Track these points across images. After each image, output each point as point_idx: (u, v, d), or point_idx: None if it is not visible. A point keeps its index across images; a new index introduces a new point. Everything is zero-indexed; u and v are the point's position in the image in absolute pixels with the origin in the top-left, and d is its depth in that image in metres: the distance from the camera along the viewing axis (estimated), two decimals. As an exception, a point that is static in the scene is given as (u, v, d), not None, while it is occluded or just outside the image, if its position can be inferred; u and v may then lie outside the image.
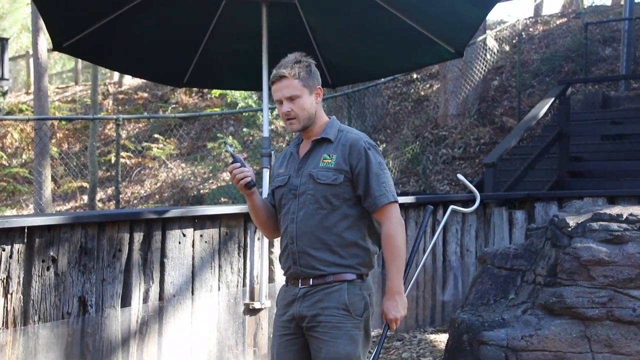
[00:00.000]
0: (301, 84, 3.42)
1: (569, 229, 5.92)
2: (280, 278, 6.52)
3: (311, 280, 3.37)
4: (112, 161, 15.19)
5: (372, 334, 3.52)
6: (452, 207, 4.03)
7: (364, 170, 3.37)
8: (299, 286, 3.41)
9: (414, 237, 5.27)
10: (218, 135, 16.30)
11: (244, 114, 15.81)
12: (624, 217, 5.83)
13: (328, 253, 3.35)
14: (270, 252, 6.48)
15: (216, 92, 17.97)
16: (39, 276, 4.87)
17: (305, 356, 3.41)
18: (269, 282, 6.46)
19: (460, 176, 4.03)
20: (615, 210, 6.02)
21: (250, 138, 15.80)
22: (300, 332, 3.41)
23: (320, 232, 3.35)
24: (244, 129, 15.67)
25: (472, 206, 4.06)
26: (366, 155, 3.38)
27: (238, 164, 3.36)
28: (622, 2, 17.15)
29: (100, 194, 15.58)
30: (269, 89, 3.52)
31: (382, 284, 6.54)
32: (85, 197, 15.43)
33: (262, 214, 3.57)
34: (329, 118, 3.55)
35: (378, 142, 13.48)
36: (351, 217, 3.39)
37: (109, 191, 15.73)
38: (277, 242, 6.48)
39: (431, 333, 7.40)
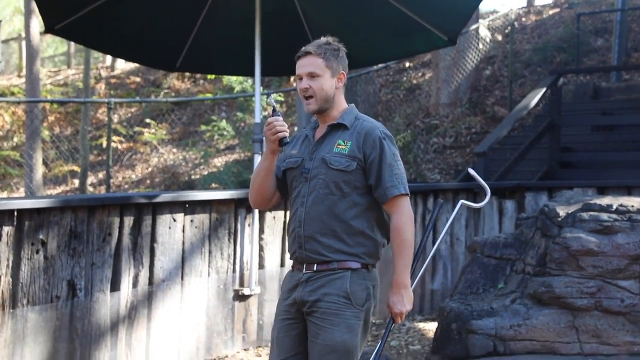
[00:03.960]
0: (324, 64, 3.40)
1: (559, 219, 5.94)
2: (271, 265, 6.53)
3: (315, 265, 3.35)
4: (104, 145, 15.12)
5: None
6: (462, 201, 3.99)
7: (377, 160, 3.34)
8: (303, 271, 3.39)
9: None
10: (212, 118, 16.27)
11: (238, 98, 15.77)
12: (614, 207, 5.85)
13: (334, 239, 3.33)
14: (261, 239, 6.48)
15: (210, 77, 17.92)
16: (28, 259, 4.86)
17: (304, 341, 3.39)
18: (259, 269, 6.47)
19: (471, 171, 4.00)
20: (605, 200, 6.05)
21: (243, 124, 15.76)
22: (301, 317, 3.39)
23: (328, 218, 3.33)
24: (238, 114, 15.62)
25: (482, 201, 4.04)
26: (381, 145, 3.35)
27: (280, 118, 3.35)
28: (616, -7, 17.18)
29: (91, 178, 15.53)
30: (294, 66, 3.48)
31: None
32: (77, 181, 15.38)
33: (269, 179, 3.50)
34: (348, 106, 3.52)
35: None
36: (360, 206, 3.36)
37: (100, 175, 15.68)
38: (267, 228, 6.49)
39: (420, 321, 7.42)
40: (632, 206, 5.85)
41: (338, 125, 3.44)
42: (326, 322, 3.29)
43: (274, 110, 3.39)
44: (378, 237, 3.41)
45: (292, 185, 3.48)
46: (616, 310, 5.60)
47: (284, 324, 3.45)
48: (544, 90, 10.51)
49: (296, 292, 3.39)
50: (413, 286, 3.45)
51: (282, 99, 15.53)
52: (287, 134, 3.35)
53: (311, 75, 3.40)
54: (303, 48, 3.46)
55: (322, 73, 3.39)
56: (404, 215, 3.35)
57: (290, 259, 3.50)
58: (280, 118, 3.35)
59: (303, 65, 3.43)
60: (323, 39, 3.50)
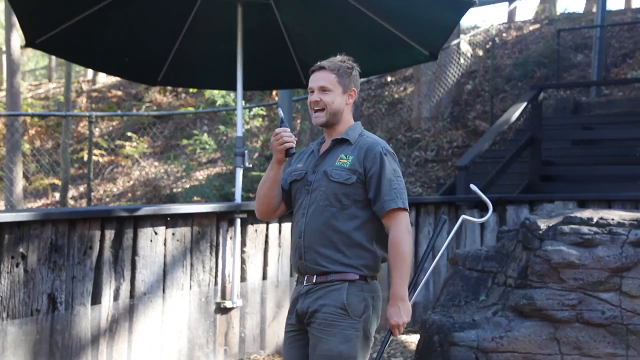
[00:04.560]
0: (336, 80, 3.49)
1: (540, 232, 5.96)
2: (252, 277, 6.53)
3: (314, 277, 3.42)
4: (85, 159, 15.07)
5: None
6: (463, 216, 4.03)
7: (377, 174, 3.40)
8: (304, 283, 3.46)
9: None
10: (193, 132, 16.24)
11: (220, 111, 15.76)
12: (595, 220, 5.88)
13: (333, 250, 3.39)
14: (243, 252, 6.47)
15: (191, 90, 17.90)
16: (8, 272, 4.83)
17: (308, 352, 3.46)
18: (240, 282, 6.46)
19: (473, 187, 4.03)
20: (585, 214, 6.08)
21: (225, 137, 15.75)
22: (303, 328, 3.47)
23: (327, 230, 3.40)
24: (220, 127, 15.61)
25: (484, 217, 4.07)
26: (381, 160, 3.43)
27: (288, 129, 3.43)
28: (594, 10, 17.33)
29: (72, 192, 15.46)
30: (306, 80, 3.61)
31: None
32: (57, 195, 15.30)
33: (275, 189, 3.57)
34: (354, 123, 3.61)
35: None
36: (360, 219, 3.42)
37: (81, 189, 15.62)
38: (249, 241, 6.49)
39: (402, 334, 7.41)
40: (613, 219, 5.88)
41: (342, 141, 3.53)
42: (323, 332, 3.35)
43: (281, 121, 3.48)
44: (377, 251, 3.46)
45: (296, 197, 3.57)
46: (597, 322, 5.62)
47: (289, 336, 3.55)
48: (524, 104, 10.58)
49: (298, 303, 3.47)
50: (412, 300, 3.48)
51: (264, 113, 15.55)
52: (293, 145, 3.43)
53: (323, 89, 3.48)
54: (318, 63, 3.55)
55: (333, 88, 3.49)
56: (401, 229, 3.39)
57: (293, 270, 3.55)
58: (288, 129, 3.43)
59: (316, 79, 3.52)
60: (338, 57, 3.60)
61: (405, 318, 3.39)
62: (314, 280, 3.42)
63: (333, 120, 3.51)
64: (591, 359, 5.62)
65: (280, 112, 3.56)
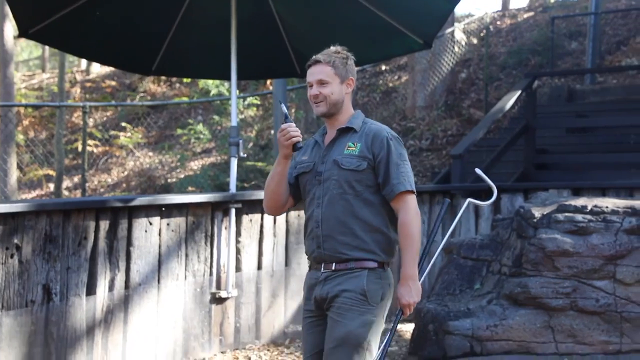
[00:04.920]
0: (333, 72, 3.56)
1: (535, 220, 5.98)
2: (247, 267, 6.52)
3: (334, 265, 3.49)
4: (79, 149, 15.02)
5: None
6: (469, 200, 4.15)
7: (385, 159, 3.49)
8: (322, 270, 3.53)
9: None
10: (189, 121, 16.22)
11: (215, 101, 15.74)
12: (589, 208, 5.90)
13: (352, 237, 3.47)
14: (238, 242, 6.47)
15: (186, 80, 17.86)
16: (2, 264, 4.83)
17: None
18: (235, 272, 6.46)
19: (478, 171, 4.16)
20: (580, 202, 6.09)
21: (219, 127, 15.73)
22: (323, 313, 3.54)
23: (345, 217, 3.47)
24: (214, 116, 15.58)
25: (489, 200, 4.17)
26: (388, 145, 3.51)
27: (293, 124, 3.48)
28: (589, -3, 17.33)
29: (66, 182, 15.42)
30: (301, 69, 3.64)
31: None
32: (52, 185, 15.27)
33: (283, 184, 3.64)
34: (355, 111, 3.67)
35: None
36: (374, 204, 3.51)
37: (76, 179, 15.57)
38: (244, 231, 6.48)
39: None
40: (607, 207, 5.90)
41: (347, 129, 3.60)
42: (341, 316, 3.43)
43: (285, 116, 3.53)
44: (392, 234, 3.56)
45: (306, 189, 3.63)
46: (591, 310, 5.65)
47: (306, 322, 3.63)
48: (519, 92, 10.57)
49: (315, 290, 3.54)
50: (421, 280, 3.58)
51: (259, 102, 15.52)
52: (300, 139, 3.48)
53: (321, 82, 3.56)
54: (313, 57, 3.62)
55: (331, 80, 3.56)
56: (410, 211, 3.49)
57: (308, 259, 3.64)
58: (293, 124, 3.49)
59: (313, 73, 3.60)
60: (333, 48, 3.67)
61: (416, 297, 3.51)
62: (333, 268, 3.49)
63: (334, 110, 3.58)
64: (585, 347, 5.65)
65: (283, 108, 3.61)
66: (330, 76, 3.55)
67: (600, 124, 11.34)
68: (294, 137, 3.45)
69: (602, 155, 10.48)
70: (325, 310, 3.51)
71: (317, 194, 3.54)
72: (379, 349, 3.56)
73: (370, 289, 3.46)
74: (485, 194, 8.36)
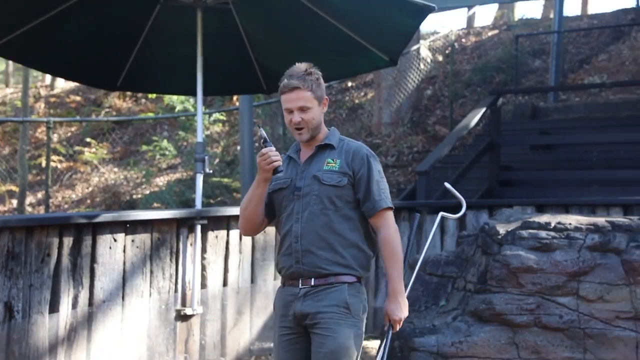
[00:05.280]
0: (312, 96, 3.54)
1: (499, 237, 6.01)
2: (213, 284, 6.49)
3: (312, 280, 3.50)
4: (43, 165, 14.88)
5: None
6: (441, 213, 4.24)
7: (366, 176, 3.54)
8: (300, 286, 3.52)
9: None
10: (153, 138, 16.13)
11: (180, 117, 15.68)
12: (552, 225, 5.94)
13: (331, 252, 3.49)
14: (203, 258, 6.44)
15: (151, 96, 17.78)
16: (-37, 281, 4.76)
17: (307, 354, 3.53)
18: (201, 288, 6.42)
19: (447, 185, 4.25)
20: (543, 218, 6.14)
21: (185, 143, 15.67)
22: (302, 330, 3.53)
23: (324, 232, 3.49)
24: (180, 132, 15.52)
25: (459, 212, 4.28)
26: (368, 163, 3.56)
27: (273, 148, 3.47)
28: (552, 16, 17.54)
29: (30, 198, 15.25)
30: (280, 95, 3.58)
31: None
32: (15, 201, 15.09)
33: (261, 206, 3.64)
34: (329, 129, 3.69)
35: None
36: (353, 220, 3.55)
37: (39, 195, 15.40)
38: (210, 247, 6.45)
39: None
40: (570, 224, 5.95)
41: (325, 146, 3.61)
42: (329, 331, 3.44)
43: (264, 140, 3.49)
44: (368, 250, 3.60)
45: (282, 205, 3.62)
46: (555, 327, 5.68)
47: (284, 340, 3.59)
48: (483, 110, 10.66)
49: (293, 306, 3.52)
50: (406, 293, 3.64)
51: (225, 119, 15.48)
52: (281, 163, 3.47)
53: (302, 109, 3.53)
54: (286, 81, 3.54)
55: (311, 105, 3.55)
56: (391, 228, 3.57)
57: (283, 275, 3.62)
58: (273, 148, 3.47)
59: (292, 100, 3.54)
60: (302, 67, 3.59)
61: (405, 312, 3.58)
62: (312, 283, 3.50)
63: (315, 133, 3.59)
64: (549, 363, 5.67)
65: (263, 133, 3.57)
66: (310, 101, 3.53)
67: (564, 141, 11.46)
68: (274, 161, 3.44)
69: (566, 172, 10.59)
70: (309, 328, 3.50)
71: (296, 209, 3.54)
72: None
73: (351, 302, 3.49)
74: (451, 210, 8.41)
